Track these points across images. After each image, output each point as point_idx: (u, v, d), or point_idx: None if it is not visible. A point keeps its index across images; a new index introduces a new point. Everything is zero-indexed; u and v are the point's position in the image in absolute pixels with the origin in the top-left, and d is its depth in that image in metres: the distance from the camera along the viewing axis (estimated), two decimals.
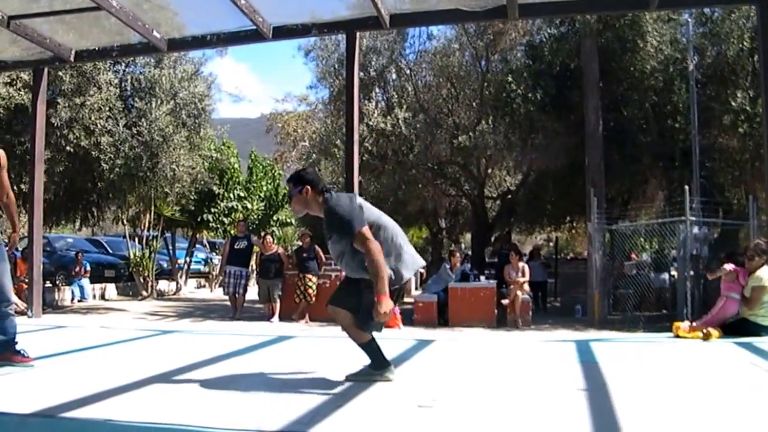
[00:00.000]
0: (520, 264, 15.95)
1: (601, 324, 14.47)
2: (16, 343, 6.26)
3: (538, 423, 4.19)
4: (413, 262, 5.55)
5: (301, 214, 5.80)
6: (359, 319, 5.38)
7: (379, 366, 5.52)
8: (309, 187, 5.45)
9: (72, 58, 12.56)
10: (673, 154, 16.87)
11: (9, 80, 16.03)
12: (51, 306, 17.78)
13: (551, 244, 34.61)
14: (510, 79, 17.35)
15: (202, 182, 20.03)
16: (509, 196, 24.17)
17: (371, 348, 5.53)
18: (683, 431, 4.03)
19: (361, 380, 5.44)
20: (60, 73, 16.08)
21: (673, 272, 16.27)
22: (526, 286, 15.73)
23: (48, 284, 19.28)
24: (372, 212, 5.48)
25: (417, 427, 4.14)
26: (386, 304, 5.05)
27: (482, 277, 16.71)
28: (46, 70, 13.13)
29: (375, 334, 5.52)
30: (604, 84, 16.90)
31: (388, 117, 18.47)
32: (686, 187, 13.77)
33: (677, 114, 16.65)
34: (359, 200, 5.49)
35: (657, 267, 16.81)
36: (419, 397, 4.86)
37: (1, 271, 6.16)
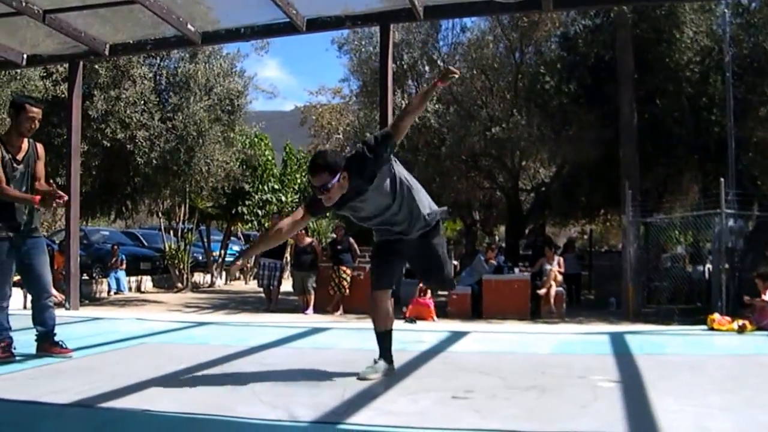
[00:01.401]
0: (556, 257, 15.93)
1: (636, 317, 14.39)
2: (55, 334, 6.36)
3: (573, 415, 4.18)
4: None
5: (335, 200, 4.99)
6: (445, 274, 5.42)
7: (390, 360, 5.40)
8: (346, 173, 4.93)
9: (107, 52, 12.61)
10: (709, 147, 16.70)
11: (46, 73, 16.18)
12: (88, 298, 17.95)
13: (585, 236, 34.31)
14: (544, 71, 17.28)
15: (235, 179, 20.10)
16: (543, 189, 24.07)
17: (389, 338, 5.41)
18: (720, 423, 4.01)
19: (378, 378, 5.22)
20: (96, 67, 16.17)
21: (708, 265, 16.13)
22: (560, 278, 15.69)
23: (85, 276, 19.48)
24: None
25: (451, 418, 4.13)
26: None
27: (516, 270, 16.68)
28: (81, 63, 13.21)
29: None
30: (639, 76, 16.75)
31: None
32: (721, 180, 13.64)
33: (713, 106, 16.48)
34: None
35: (694, 259, 16.68)
36: (454, 388, 4.86)
37: (41, 263, 6.25)
